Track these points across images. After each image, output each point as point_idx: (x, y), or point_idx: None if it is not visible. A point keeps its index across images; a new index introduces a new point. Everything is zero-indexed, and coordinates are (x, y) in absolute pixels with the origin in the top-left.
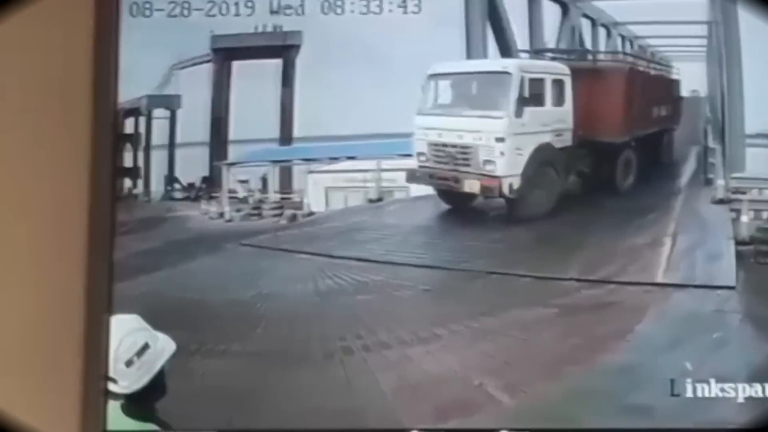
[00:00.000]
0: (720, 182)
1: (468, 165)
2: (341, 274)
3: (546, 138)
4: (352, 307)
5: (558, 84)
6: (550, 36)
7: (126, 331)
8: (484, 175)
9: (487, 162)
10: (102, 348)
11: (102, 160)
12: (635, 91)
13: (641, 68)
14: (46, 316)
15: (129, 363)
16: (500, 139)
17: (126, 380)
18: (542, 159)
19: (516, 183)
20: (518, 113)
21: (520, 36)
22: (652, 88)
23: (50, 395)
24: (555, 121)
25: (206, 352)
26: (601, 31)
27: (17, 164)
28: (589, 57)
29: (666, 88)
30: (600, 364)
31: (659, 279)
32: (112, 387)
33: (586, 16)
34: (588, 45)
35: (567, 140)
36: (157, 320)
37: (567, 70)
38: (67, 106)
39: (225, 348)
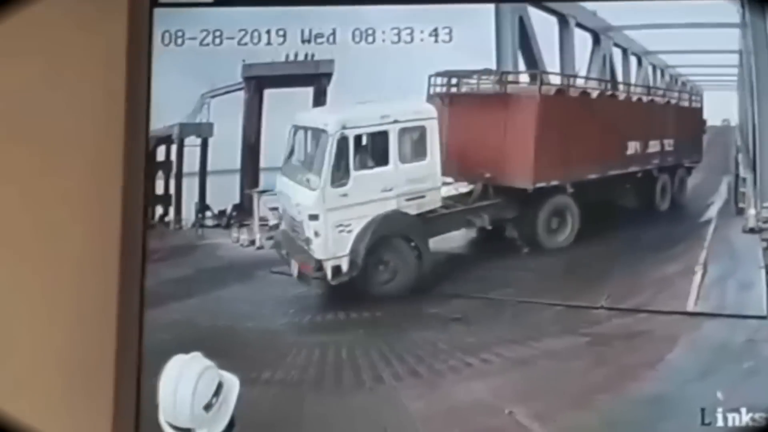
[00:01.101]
0: (751, 211)
1: (297, 241)
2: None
3: (391, 205)
4: (383, 335)
5: (413, 133)
6: (581, 65)
7: (197, 372)
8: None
9: (307, 241)
10: (134, 376)
11: (134, 187)
12: (558, 124)
13: (578, 93)
14: (78, 342)
15: (208, 407)
16: (313, 216)
17: (205, 427)
18: (386, 231)
19: (345, 265)
20: (338, 182)
21: (551, 65)
22: (618, 119)
23: (83, 423)
24: (408, 181)
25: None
26: (633, 61)
27: (50, 190)
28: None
29: (663, 118)
30: (630, 393)
31: (690, 308)
32: None
33: (617, 45)
34: (619, 74)
35: (432, 202)
36: (187, 348)
37: (430, 113)
38: (100, 133)
39: (256, 376)
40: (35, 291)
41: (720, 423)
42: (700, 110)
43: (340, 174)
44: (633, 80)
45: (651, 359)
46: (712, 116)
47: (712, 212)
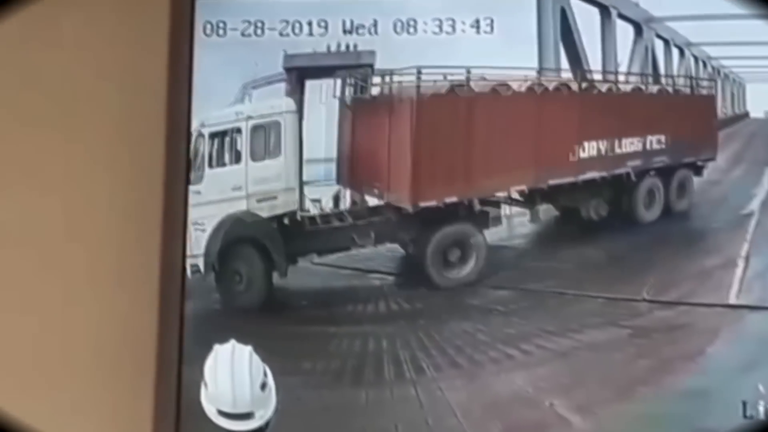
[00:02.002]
0: None
1: None
2: (413, 294)
3: (241, 205)
4: (423, 326)
5: (267, 129)
6: (623, 56)
7: (247, 353)
8: None
9: None
10: (174, 366)
11: (176, 178)
12: (449, 128)
13: (489, 89)
14: (119, 334)
15: (264, 386)
16: None
17: (263, 407)
18: (237, 235)
19: (202, 266)
20: (194, 180)
21: (593, 57)
22: (560, 116)
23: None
24: (257, 180)
25: (279, 370)
26: (675, 53)
27: (91, 181)
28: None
29: (649, 111)
30: (671, 386)
31: (732, 301)
32: (246, 426)
33: (659, 36)
34: (661, 66)
35: (286, 204)
36: (229, 338)
37: (286, 107)
38: (142, 125)
39: (297, 366)
40: (75, 283)
41: (762, 416)
42: (711, 99)
43: (197, 172)
44: (675, 72)
45: (692, 352)
46: (754, 108)
47: (755, 204)
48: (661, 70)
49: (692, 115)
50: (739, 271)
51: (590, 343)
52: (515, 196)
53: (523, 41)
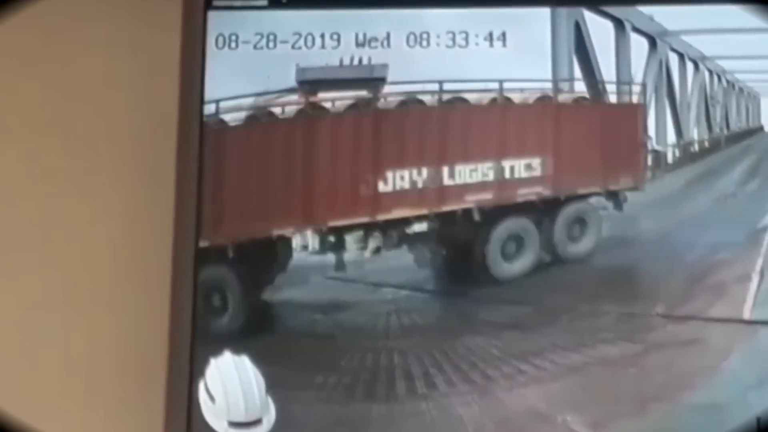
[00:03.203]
0: None
1: None
2: (425, 307)
3: None
4: (436, 340)
5: None
6: (636, 69)
7: (248, 362)
8: None
9: None
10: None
11: (187, 189)
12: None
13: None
14: (129, 343)
15: (267, 391)
16: None
17: (268, 413)
18: None
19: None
20: None
21: (607, 70)
22: (349, 142)
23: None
24: None
25: (291, 386)
26: (690, 66)
27: (102, 191)
28: None
29: (514, 127)
30: (685, 400)
31: (746, 316)
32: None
33: (673, 50)
34: (675, 80)
35: None
36: (239, 353)
37: None
38: (153, 136)
39: (309, 380)
40: (86, 289)
41: None
42: (634, 109)
43: None
44: (689, 86)
45: (706, 367)
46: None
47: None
48: (676, 84)
49: (599, 131)
50: (753, 285)
51: (603, 358)
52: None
53: (536, 55)
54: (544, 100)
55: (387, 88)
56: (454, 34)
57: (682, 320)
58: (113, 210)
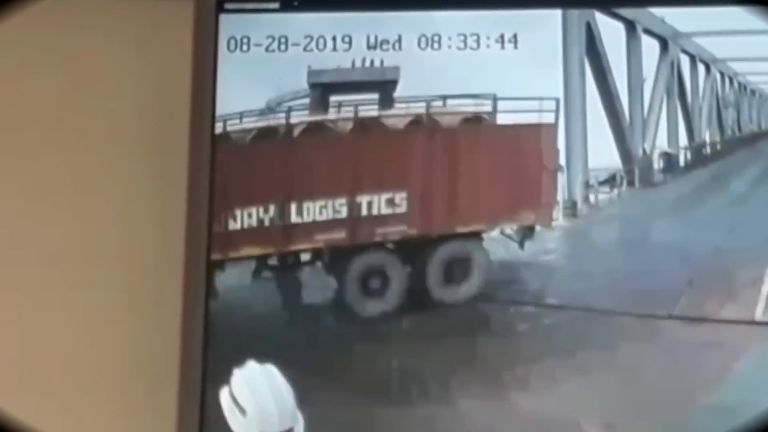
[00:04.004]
0: None
1: None
2: (437, 312)
3: None
4: (448, 345)
5: None
6: (648, 72)
7: (276, 373)
8: None
9: None
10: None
11: (199, 195)
12: None
13: None
14: (141, 351)
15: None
16: None
17: (298, 422)
18: None
19: None
20: None
21: (618, 72)
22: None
23: None
24: None
25: (304, 388)
26: (701, 69)
27: (113, 196)
28: None
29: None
30: (699, 403)
31: (759, 318)
32: None
33: (685, 52)
34: (687, 82)
35: None
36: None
37: None
38: (165, 140)
39: (320, 383)
40: (96, 297)
41: None
42: (536, 132)
43: None
44: (701, 88)
45: (719, 368)
46: None
47: None
48: (687, 86)
49: (489, 158)
50: (765, 287)
51: (617, 361)
52: None
53: (547, 57)
54: (420, 123)
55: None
56: (465, 36)
57: (695, 322)
58: (125, 210)
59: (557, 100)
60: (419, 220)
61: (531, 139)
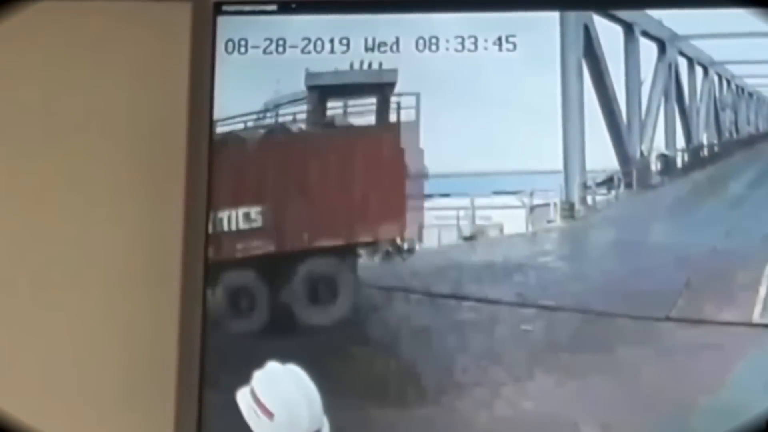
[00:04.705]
0: None
1: None
2: (436, 312)
3: None
4: (448, 345)
5: None
6: (646, 74)
7: (302, 372)
8: None
9: None
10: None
11: (196, 197)
12: None
13: None
14: (138, 355)
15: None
16: None
17: (323, 423)
18: None
19: None
20: None
21: (616, 74)
22: None
23: None
24: None
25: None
26: (699, 71)
27: (111, 198)
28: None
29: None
30: (696, 405)
31: (756, 320)
32: None
33: (682, 54)
34: (685, 84)
35: None
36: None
37: None
38: (162, 142)
39: (321, 384)
40: (93, 302)
41: None
42: (391, 134)
43: None
44: (699, 91)
45: (717, 371)
46: None
47: None
48: (685, 88)
49: (345, 166)
50: (763, 290)
51: (615, 362)
52: None
53: (545, 59)
54: (274, 133)
55: None
56: (463, 38)
57: (692, 325)
58: (121, 219)
59: (417, 95)
60: (275, 235)
61: (389, 141)
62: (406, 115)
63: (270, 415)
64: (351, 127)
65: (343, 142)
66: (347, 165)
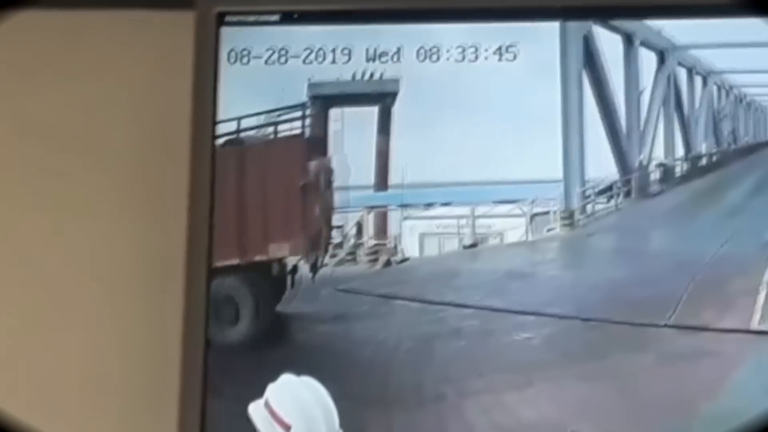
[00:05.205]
0: None
1: None
2: (436, 320)
3: None
4: (447, 353)
5: None
6: (645, 83)
7: (317, 383)
8: None
9: None
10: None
11: (200, 206)
12: None
13: None
14: (141, 361)
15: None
16: None
17: None
18: None
19: None
20: None
21: (616, 84)
22: None
23: None
24: None
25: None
26: (698, 81)
27: (113, 210)
28: None
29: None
30: (696, 411)
31: (755, 327)
32: None
33: (681, 64)
34: (684, 94)
35: None
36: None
37: None
38: (166, 152)
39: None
40: (96, 308)
41: None
42: (293, 147)
43: None
44: (698, 100)
45: (717, 378)
46: None
47: None
48: (684, 98)
49: (241, 180)
50: (761, 297)
51: (613, 369)
52: None
53: (545, 69)
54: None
55: None
56: (464, 48)
57: (691, 331)
58: (124, 231)
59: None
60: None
61: (288, 156)
62: (334, 126)
63: (287, 427)
64: (252, 140)
65: (238, 155)
66: (243, 179)
